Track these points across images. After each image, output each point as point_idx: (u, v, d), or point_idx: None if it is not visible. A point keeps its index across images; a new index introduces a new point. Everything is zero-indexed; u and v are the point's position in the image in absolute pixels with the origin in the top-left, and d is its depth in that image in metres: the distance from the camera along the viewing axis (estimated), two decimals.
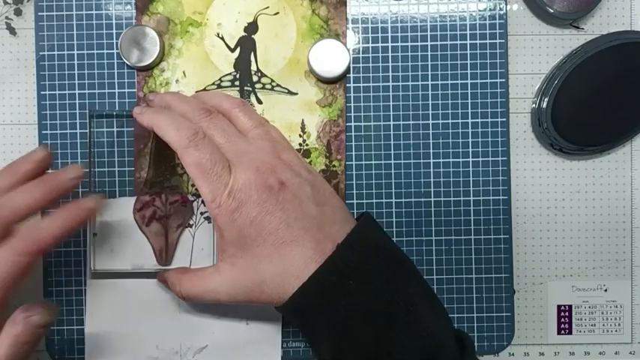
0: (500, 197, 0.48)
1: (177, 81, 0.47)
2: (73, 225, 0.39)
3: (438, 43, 0.48)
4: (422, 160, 0.48)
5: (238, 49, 0.47)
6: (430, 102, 0.48)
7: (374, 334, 0.38)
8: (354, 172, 0.48)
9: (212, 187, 0.39)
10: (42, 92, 0.47)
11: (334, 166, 0.47)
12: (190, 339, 0.47)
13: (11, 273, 0.37)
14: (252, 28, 0.47)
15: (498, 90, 0.47)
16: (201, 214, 0.47)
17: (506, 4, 0.48)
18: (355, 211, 0.47)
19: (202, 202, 0.47)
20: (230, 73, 0.47)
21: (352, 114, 0.47)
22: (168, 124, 0.41)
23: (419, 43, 0.48)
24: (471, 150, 0.48)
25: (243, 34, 0.47)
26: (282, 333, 0.47)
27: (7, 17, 0.48)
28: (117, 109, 0.47)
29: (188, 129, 0.40)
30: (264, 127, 0.43)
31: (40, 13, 0.47)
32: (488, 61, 0.47)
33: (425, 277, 0.47)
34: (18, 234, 0.38)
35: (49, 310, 0.39)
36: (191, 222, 0.47)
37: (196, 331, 0.47)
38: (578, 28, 0.48)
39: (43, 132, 0.47)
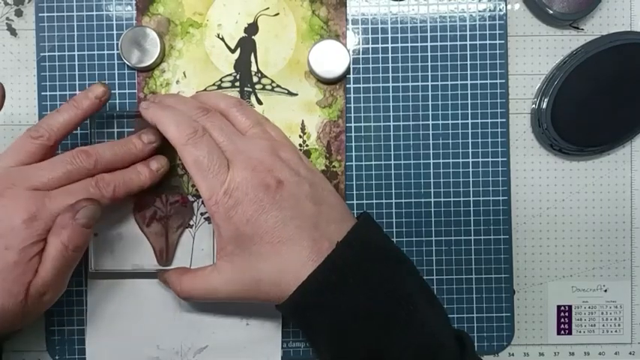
0: (500, 198, 0.48)
1: (177, 82, 0.47)
2: (143, 181, 0.44)
3: (438, 43, 0.48)
4: (422, 161, 0.48)
5: (238, 50, 0.48)
6: (430, 102, 0.48)
7: (374, 333, 0.38)
8: (354, 173, 0.48)
9: (209, 185, 0.40)
10: (43, 93, 0.47)
11: (334, 166, 0.47)
12: (191, 339, 0.47)
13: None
14: (252, 29, 0.47)
15: (498, 90, 0.47)
16: (202, 214, 0.47)
17: (506, 5, 0.48)
18: (355, 211, 0.48)
19: (202, 202, 0.47)
20: (230, 74, 0.47)
21: (352, 115, 0.48)
22: (170, 120, 0.41)
23: (419, 44, 0.48)
24: (470, 150, 0.48)
25: (244, 34, 0.47)
26: (282, 333, 0.47)
27: (7, 18, 0.48)
28: (117, 109, 0.47)
29: (188, 126, 0.41)
30: (262, 126, 0.43)
31: (40, 14, 0.47)
32: (488, 61, 0.47)
33: (425, 277, 0.48)
34: (100, 177, 0.42)
35: (92, 202, 0.40)
36: (191, 222, 0.47)
37: (197, 331, 0.47)
38: (577, 28, 0.48)
39: None
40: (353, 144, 0.48)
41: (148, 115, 0.43)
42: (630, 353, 0.49)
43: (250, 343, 0.47)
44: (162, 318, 0.47)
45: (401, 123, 0.48)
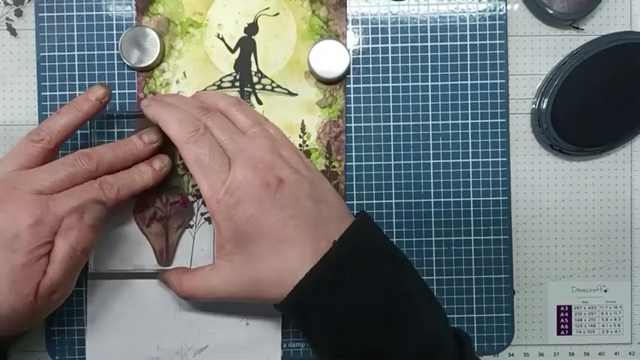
0: (500, 198, 0.48)
1: (177, 82, 0.47)
2: (146, 181, 0.44)
3: (438, 43, 0.48)
4: (422, 161, 0.48)
5: (238, 50, 0.47)
6: (430, 102, 0.48)
7: (373, 333, 0.38)
8: (354, 173, 0.48)
9: (211, 184, 0.40)
10: (43, 93, 0.47)
11: (334, 166, 0.47)
12: (191, 339, 0.47)
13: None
14: (252, 28, 0.47)
15: (498, 91, 0.47)
16: (202, 214, 0.47)
17: (506, 5, 0.48)
18: (355, 211, 0.47)
19: (203, 202, 0.47)
20: (230, 74, 0.47)
21: (352, 115, 0.48)
22: (172, 118, 0.41)
23: (419, 44, 0.48)
24: (470, 150, 0.48)
25: (244, 34, 0.47)
26: (282, 333, 0.47)
27: (7, 18, 0.48)
28: (117, 110, 0.47)
29: (189, 124, 0.41)
30: (261, 125, 0.43)
31: (40, 14, 0.47)
32: (488, 61, 0.47)
33: (425, 277, 0.48)
34: (103, 179, 0.42)
35: (98, 202, 0.40)
36: (192, 223, 0.47)
37: (197, 331, 0.47)
38: (578, 28, 0.48)
39: None
40: (353, 144, 0.48)
41: (150, 112, 0.42)
42: (630, 353, 0.49)
43: (250, 343, 0.47)
44: (163, 318, 0.47)
45: (401, 123, 0.48)
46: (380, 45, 0.48)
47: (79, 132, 0.47)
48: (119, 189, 0.42)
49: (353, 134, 0.48)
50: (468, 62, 0.48)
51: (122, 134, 0.47)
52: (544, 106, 0.47)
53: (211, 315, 0.47)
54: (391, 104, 0.48)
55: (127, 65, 0.47)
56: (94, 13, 0.47)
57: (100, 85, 0.44)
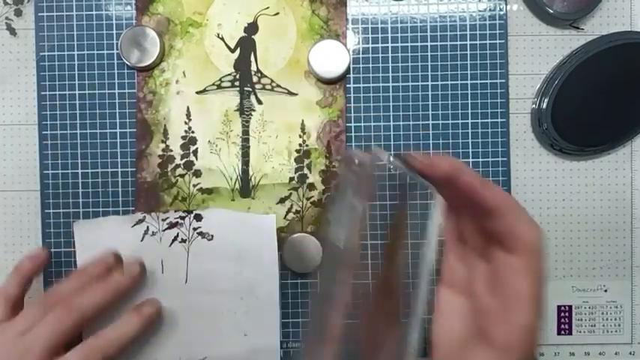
0: None
1: (177, 81, 0.47)
2: (135, 331, 0.42)
3: (438, 43, 0.48)
4: None
5: (238, 50, 0.47)
6: (430, 102, 0.48)
7: None
8: None
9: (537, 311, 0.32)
10: (42, 92, 0.47)
11: (334, 166, 0.47)
12: (189, 351, 0.46)
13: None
14: (252, 28, 0.47)
15: (498, 90, 0.47)
16: (194, 229, 0.46)
17: (506, 5, 0.48)
18: None
19: (195, 217, 0.46)
20: (230, 74, 0.47)
21: (352, 115, 0.47)
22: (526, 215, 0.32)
23: (419, 43, 0.48)
24: (471, 150, 0.48)
25: (243, 34, 0.47)
26: (281, 334, 0.47)
27: (7, 18, 0.48)
28: (117, 109, 0.47)
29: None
30: None
31: (40, 14, 0.47)
32: (488, 61, 0.47)
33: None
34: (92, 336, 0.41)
35: None
36: (184, 237, 0.46)
37: (195, 343, 0.46)
38: (578, 28, 0.48)
39: (43, 132, 0.47)
40: (353, 144, 0.48)
41: (491, 197, 0.32)
42: (630, 353, 0.49)
43: (249, 353, 0.46)
44: (160, 330, 0.46)
45: (401, 123, 0.48)
46: (380, 45, 0.48)
47: (78, 131, 0.47)
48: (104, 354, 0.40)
49: (353, 134, 0.48)
50: (468, 62, 0.48)
51: (124, 134, 0.47)
52: (544, 106, 0.47)
53: (209, 327, 0.46)
54: (391, 104, 0.48)
55: (127, 65, 0.47)
56: (94, 12, 0.47)
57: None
